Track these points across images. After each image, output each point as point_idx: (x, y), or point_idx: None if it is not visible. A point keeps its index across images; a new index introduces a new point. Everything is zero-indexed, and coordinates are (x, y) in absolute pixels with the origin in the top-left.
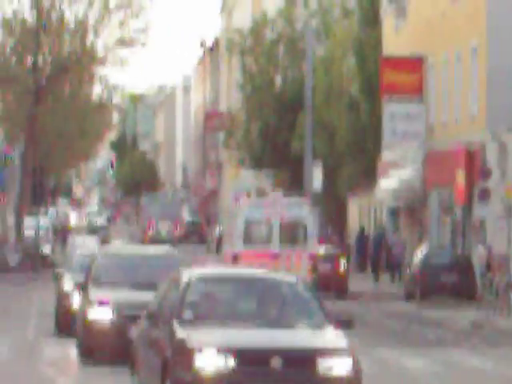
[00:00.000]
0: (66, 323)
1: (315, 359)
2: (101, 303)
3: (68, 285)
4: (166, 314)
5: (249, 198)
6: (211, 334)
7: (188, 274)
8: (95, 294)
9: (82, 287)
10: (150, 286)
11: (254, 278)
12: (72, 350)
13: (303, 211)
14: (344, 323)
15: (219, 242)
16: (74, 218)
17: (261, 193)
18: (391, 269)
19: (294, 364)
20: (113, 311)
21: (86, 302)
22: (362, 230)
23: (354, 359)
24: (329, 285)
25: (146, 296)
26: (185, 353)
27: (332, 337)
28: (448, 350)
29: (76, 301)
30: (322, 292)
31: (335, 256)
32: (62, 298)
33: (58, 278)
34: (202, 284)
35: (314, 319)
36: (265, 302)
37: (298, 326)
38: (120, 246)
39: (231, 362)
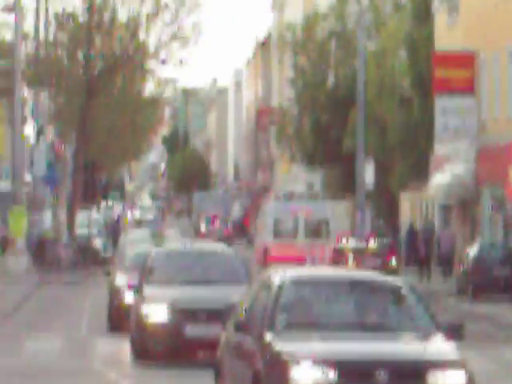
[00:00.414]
0: (119, 319)
1: (425, 372)
2: (154, 300)
3: (120, 280)
4: (257, 322)
5: (278, 197)
6: (308, 345)
7: (280, 277)
8: (150, 291)
9: (136, 285)
10: (206, 283)
11: (354, 280)
12: (125, 347)
13: (325, 209)
14: (455, 331)
15: None
16: (126, 214)
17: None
18: (441, 264)
19: (401, 378)
20: (168, 309)
21: (140, 299)
22: (412, 225)
23: (467, 372)
24: None
25: (202, 293)
26: (279, 365)
27: (442, 347)
28: (500, 347)
29: (128, 296)
30: None
31: (385, 251)
32: (114, 294)
33: (109, 274)
34: (297, 288)
35: (421, 327)
36: (366, 308)
37: (403, 334)
38: (174, 243)
39: (331, 376)
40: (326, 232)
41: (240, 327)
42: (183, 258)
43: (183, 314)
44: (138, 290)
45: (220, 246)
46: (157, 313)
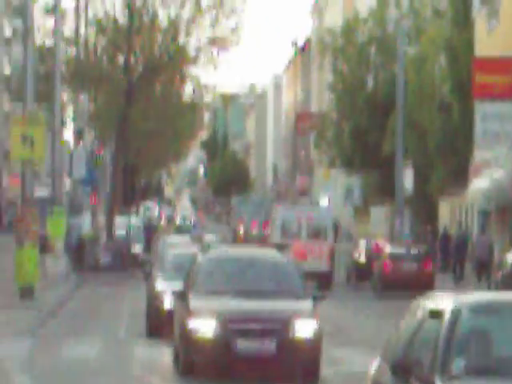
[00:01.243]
0: (158, 324)
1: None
2: (202, 314)
3: (160, 285)
4: (421, 364)
5: (285, 204)
6: None
7: (455, 303)
8: (197, 302)
9: (180, 293)
10: (259, 294)
11: None
12: (163, 352)
13: (324, 215)
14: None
15: None
16: (164, 218)
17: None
18: (476, 269)
19: None
20: (217, 323)
21: (186, 311)
22: (445, 231)
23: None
24: (415, 284)
25: (254, 306)
26: None
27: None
28: None
29: (168, 302)
30: (408, 291)
31: (422, 256)
32: (154, 299)
33: (149, 278)
34: (478, 317)
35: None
36: None
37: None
38: (223, 248)
39: None
40: (324, 233)
41: (396, 366)
42: (233, 265)
43: (233, 329)
44: (182, 298)
45: (273, 253)
46: (205, 328)
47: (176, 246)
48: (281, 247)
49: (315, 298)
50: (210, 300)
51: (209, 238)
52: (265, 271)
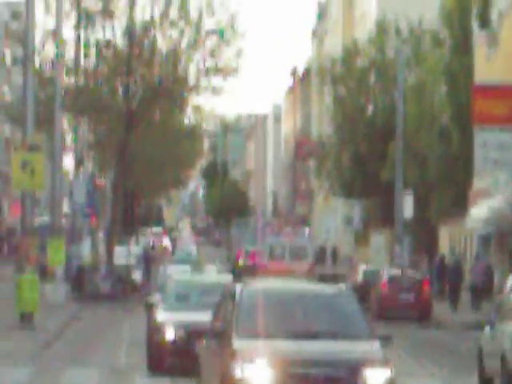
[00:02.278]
0: (159, 357)
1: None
2: (252, 359)
3: (161, 316)
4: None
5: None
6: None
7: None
8: (243, 344)
9: (219, 333)
10: (316, 335)
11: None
12: (164, 380)
13: (305, 240)
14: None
15: None
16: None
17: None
18: (472, 295)
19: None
20: (273, 369)
21: (230, 354)
22: (441, 258)
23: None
24: (412, 312)
25: (314, 349)
26: None
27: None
28: None
29: (170, 333)
30: (405, 319)
31: (420, 283)
32: (155, 330)
33: (149, 308)
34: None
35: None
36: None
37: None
38: (264, 281)
39: None
40: (303, 255)
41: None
42: (282, 300)
43: (293, 376)
44: (221, 338)
45: (326, 286)
46: (259, 375)
47: (177, 275)
48: (334, 278)
49: (382, 340)
50: (258, 342)
51: (209, 267)
52: (320, 308)
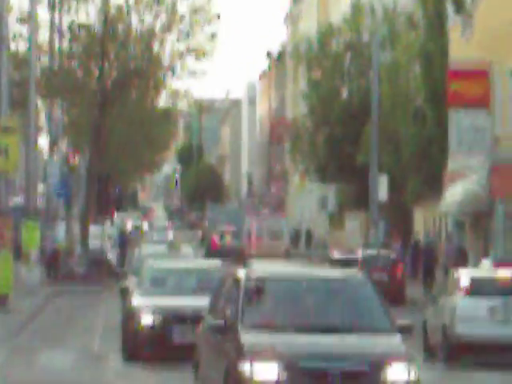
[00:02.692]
0: (136, 344)
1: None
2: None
3: (137, 300)
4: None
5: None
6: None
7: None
8: (250, 338)
9: (220, 327)
10: (330, 328)
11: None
12: (136, 362)
13: (282, 222)
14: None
15: None
16: (145, 227)
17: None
18: (445, 277)
19: None
20: (283, 365)
21: (236, 349)
22: (417, 241)
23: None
24: (385, 292)
25: (329, 342)
26: None
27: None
28: None
29: (146, 318)
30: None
31: (394, 263)
32: (130, 316)
33: (124, 293)
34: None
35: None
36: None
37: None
38: (269, 266)
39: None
40: (280, 236)
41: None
42: (291, 289)
43: (306, 374)
44: (225, 332)
45: (341, 272)
46: (267, 372)
47: (153, 258)
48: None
49: (402, 331)
50: (266, 336)
51: (186, 249)
52: (335, 296)
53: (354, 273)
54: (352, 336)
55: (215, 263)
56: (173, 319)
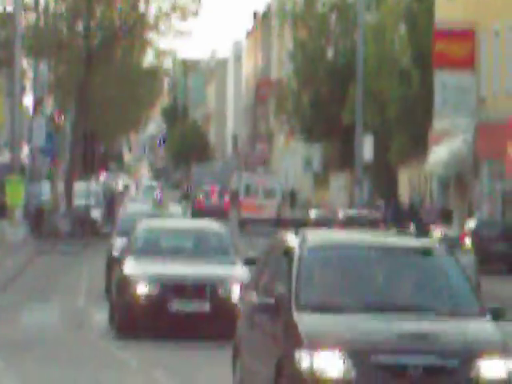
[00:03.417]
0: (128, 317)
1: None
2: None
3: (130, 267)
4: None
5: (247, 172)
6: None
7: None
8: (310, 323)
9: (271, 306)
10: (404, 309)
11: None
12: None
13: (275, 181)
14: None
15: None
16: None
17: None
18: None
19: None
20: (351, 358)
21: (292, 336)
22: (397, 199)
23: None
24: None
25: (406, 329)
26: None
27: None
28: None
29: (142, 288)
30: None
31: (375, 222)
32: (122, 285)
33: (113, 258)
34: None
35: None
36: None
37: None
38: (326, 232)
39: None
40: (273, 194)
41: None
42: (355, 261)
43: (381, 367)
44: (277, 313)
45: (420, 241)
46: (333, 366)
47: (141, 218)
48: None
49: (494, 315)
50: (330, 318)
51: (174, 208)
52: (411, 270)
53: (433, 243)
54: (435, 321)
55: (212, 224)
56: (172, 288)
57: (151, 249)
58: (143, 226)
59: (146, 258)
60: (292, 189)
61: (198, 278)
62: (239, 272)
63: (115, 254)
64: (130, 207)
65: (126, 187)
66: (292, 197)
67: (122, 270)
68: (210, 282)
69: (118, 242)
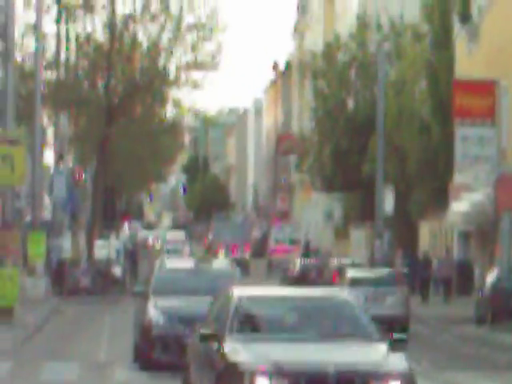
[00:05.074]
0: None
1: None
2: None
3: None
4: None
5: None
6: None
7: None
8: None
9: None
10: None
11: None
12: (142, 374)
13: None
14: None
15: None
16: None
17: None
18: (443, 290)
19: None
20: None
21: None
22: (414, 254)
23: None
24: None
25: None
26: None
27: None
28: None
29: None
30: None
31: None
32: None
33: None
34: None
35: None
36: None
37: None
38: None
39: None
40: (298, 242)
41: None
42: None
43: None
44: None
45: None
46: None
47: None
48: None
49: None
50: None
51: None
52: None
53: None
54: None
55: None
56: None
57: (252, 326)
58: (238, 293)
59: (251, 338)
60: (307, 239)
61: (343, 366)
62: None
63: (155, 319)
64: (168, 263)
65: (154, 241)
66: (306, 246)
67: (223, 355)
68: (360, 373)
69: (155, 305)
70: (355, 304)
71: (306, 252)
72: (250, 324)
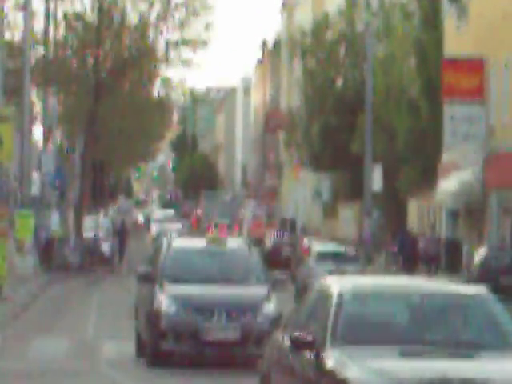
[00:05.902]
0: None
1: None
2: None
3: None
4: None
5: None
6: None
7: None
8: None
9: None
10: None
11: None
12: (129, 349)
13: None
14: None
15: None
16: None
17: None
18: (427, 265)
19: None
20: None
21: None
22: (403, 231)
23: None
24: None
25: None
26: None
27: None
28: None
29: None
30: None
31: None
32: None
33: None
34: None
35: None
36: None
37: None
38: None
39: None
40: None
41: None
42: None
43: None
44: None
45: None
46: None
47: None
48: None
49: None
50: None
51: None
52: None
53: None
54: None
55: None
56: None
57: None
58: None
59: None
60: (292, 218)
61: None
62: None
63: (166, 308)
64: (176, 242)
65: (148, 218)
66: (292, 225)
67: (328, 371)
68: None
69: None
70: (492, 303)
71: (282, 229)
72: (359, 330)
